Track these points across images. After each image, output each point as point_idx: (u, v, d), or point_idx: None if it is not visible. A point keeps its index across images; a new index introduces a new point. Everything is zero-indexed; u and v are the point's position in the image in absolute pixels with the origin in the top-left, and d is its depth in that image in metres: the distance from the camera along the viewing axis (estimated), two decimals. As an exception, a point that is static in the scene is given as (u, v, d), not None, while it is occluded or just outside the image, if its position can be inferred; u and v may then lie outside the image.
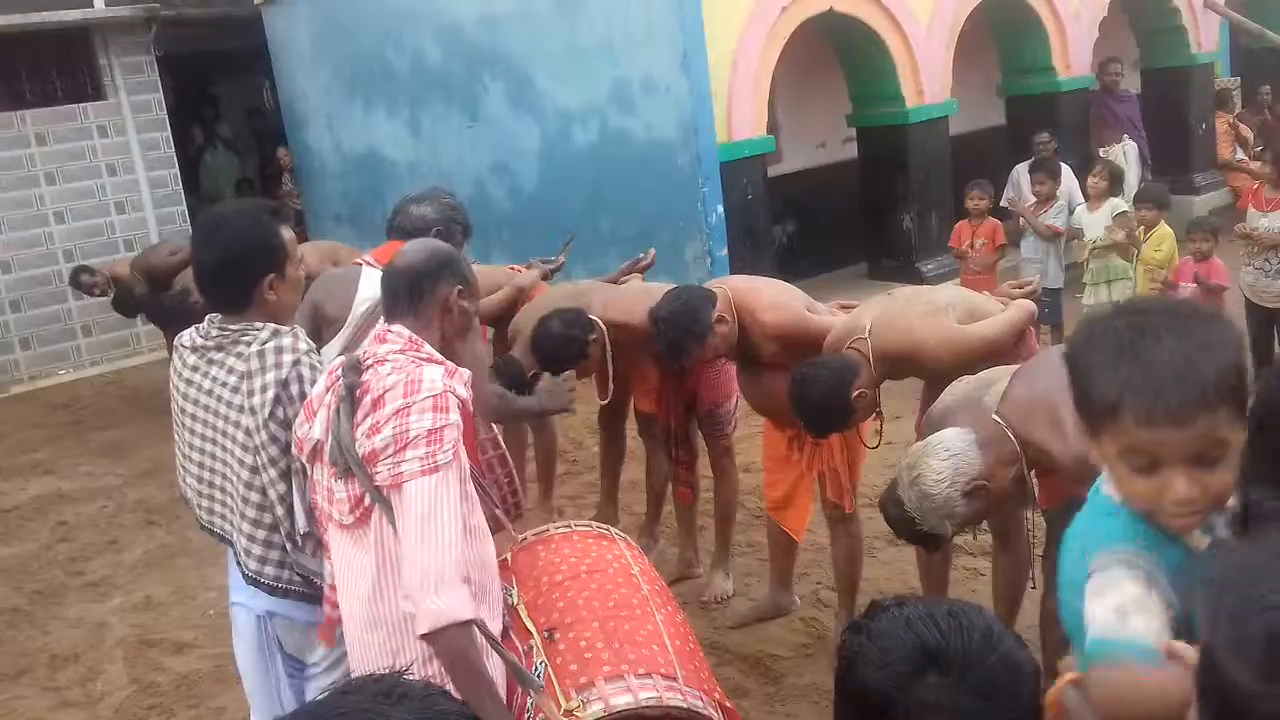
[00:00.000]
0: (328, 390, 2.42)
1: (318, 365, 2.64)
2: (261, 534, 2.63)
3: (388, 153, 10.54)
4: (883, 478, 5.39)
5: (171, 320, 7.32)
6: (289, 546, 2.62)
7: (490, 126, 9.40)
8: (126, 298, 8.05)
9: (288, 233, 2.77)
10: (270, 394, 2.56)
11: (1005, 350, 3.52)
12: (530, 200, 9.22)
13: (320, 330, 3.56)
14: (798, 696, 3.90)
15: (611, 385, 4.53)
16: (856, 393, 3.56)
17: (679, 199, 8.05)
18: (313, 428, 2.42)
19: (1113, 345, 1.43)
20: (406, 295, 2.46)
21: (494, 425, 3.57)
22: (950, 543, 4.11)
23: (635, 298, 4.47)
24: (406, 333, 2.41)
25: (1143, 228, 6.56)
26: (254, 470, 2.60)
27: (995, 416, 2.80)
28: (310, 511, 2.60)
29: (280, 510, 2.60)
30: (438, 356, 2.41)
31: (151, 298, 7.70)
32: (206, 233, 2.78)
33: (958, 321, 3.64)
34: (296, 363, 2.60)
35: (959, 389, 3.31)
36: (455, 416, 2.29)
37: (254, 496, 2.61)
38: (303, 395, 2.56)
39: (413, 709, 1.06)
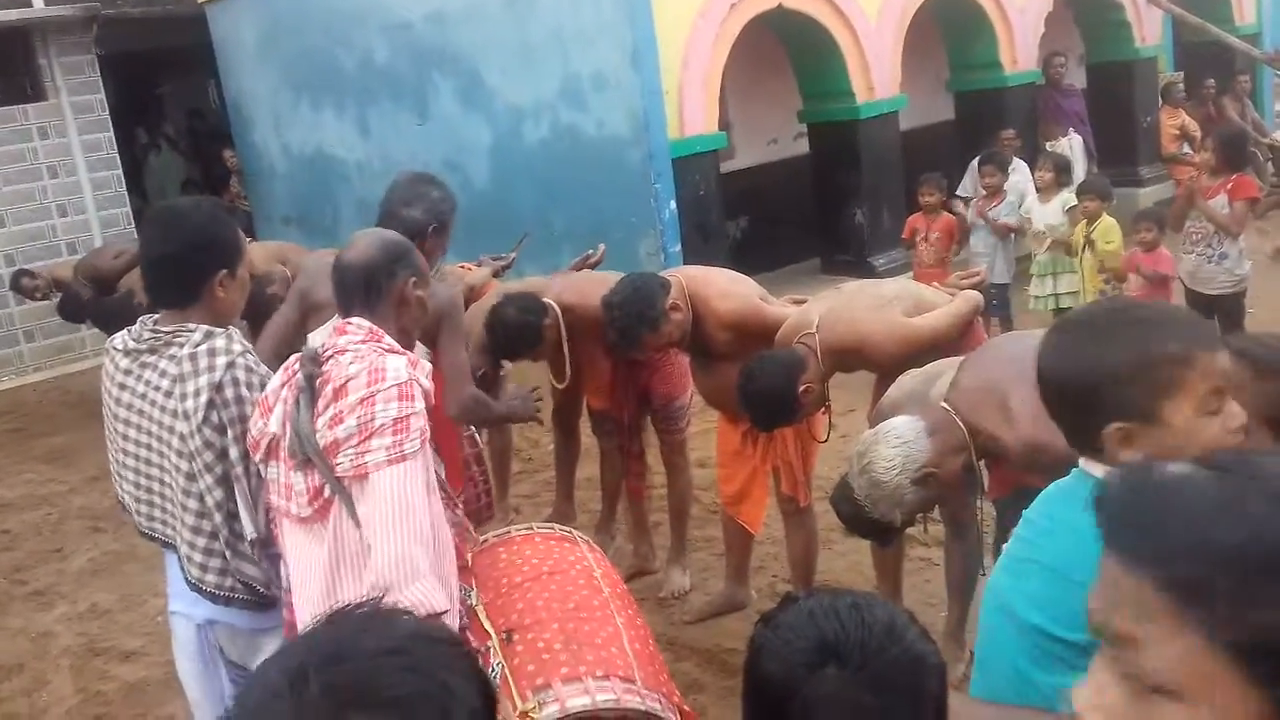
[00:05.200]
0: (284, 385, 2.37)
1: (253, 366, 2.56)
2: (202, 541, 2.56)
3: (336, 152, 10.42)
4: (837, 470, 5.40)
5: (115, 323, 7.18)
6: (228, 554, 2.55)
7: (440, 124, 9.33)
8: (73, 303, 7.87)
9: (240, 231, 2.72)
10: (203, 398, 2.48)
11: (952, 342, 3.55)
12: (482, 198, 9.15)
13: (307, 318, 3.48)
14: (755, 690, 3.89)
15: (569, 369, 4.50)
16: (803, 387, 3.58)
17: (632, 195, 8.04)
18: (268, 423, 2.36)
19: (1136, 328, 1.58)
20: (362, 290, 2.42)
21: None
22: (903, 534, 4.15)
23: (590, 284, 4.47)
24: (367, 324, 2.37)
25: (1085, 220, 6.64)
26: (190, 476, 2.53)
27: (944, 404, 2.81)
28: (265, 514, 2.55)
29: (219, 517, 2.53)
30: (398, 347, 2.38)
31: (96, 302, 7.54)
32: (161, 225, 2.70)
33: (904, 314, 3.66)
34: (231, 365, 2.52)
35: (906, 383, 3.33)
36: (421, 405, 2.26)
37: (192, 503, 2.55)
38: (238, 398, 2.50)
39: (409, 624, 1.04)
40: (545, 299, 4.36)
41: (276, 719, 0.94)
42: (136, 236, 7.39)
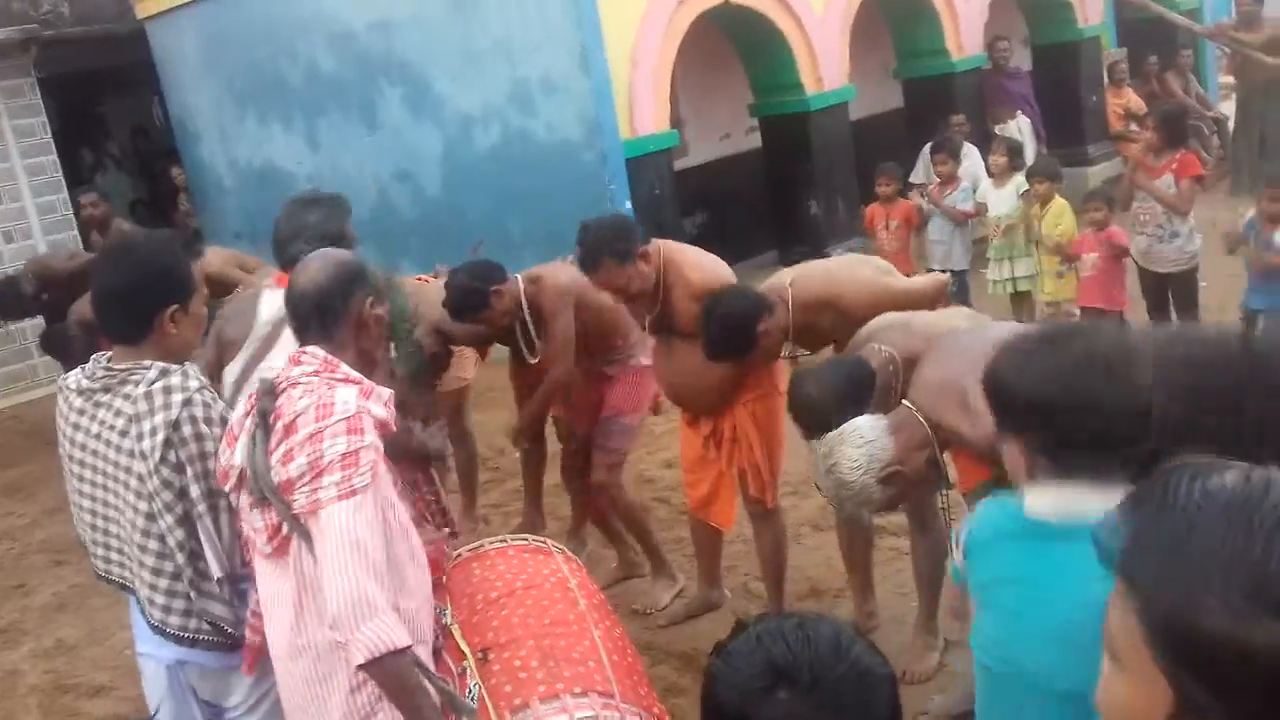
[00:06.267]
0: (247, 415, 2.33)
1: (210, 402, 2.52)
2: (164, 583, 2.51)
3: (286, 166, 10.31)
4: (803, 465, 5.43)
5: (56, 349, 7.11)
6: (193, 595, 2.51)
7: (390, 134, 9.25)
8: (12, 296, 7.57)
9: (196, 268, 2.67)
10: (160, 437, 2.43)
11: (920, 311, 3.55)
12: (435, 206, 9.10)
13: (222, 356, 3.44)
14: (733, 690, 3.89)
15: (537, 343, 4.48)
16: (764, 328, 3.63)
17: (586, 197, 8.01)
18: (234, 454, 2.32)
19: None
20: (316, 317, 2.36)
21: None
22: (872, 525, 4.16)
23: (563, 267, 4.54)
24: (321, 354, 2.32)
25: (1038, 202, 6.69)
26: (150, 517, 2.48)
27: (905, 402, 2.84)
28: (233, 546, 2.51)
29: (181, 558, 2.48)
30: (354, 376, 2.33)
31: (39, 305, 7.40)
32: (110, 258, 2.66)
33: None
34: (187, 402, 2.46)
35: (887, 316, 3.41)
36: (371, 438, 2.22)
37: (152, 544, 2.50)
38: (197, 435, 2.46)
39: None
40: (509, 274, 4.41)
41: None
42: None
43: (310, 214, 3.35)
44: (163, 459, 2.44)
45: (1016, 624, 1.79)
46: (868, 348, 3.41)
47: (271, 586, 2.33)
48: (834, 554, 4.71)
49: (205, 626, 2.54)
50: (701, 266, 3.98)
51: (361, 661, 2.10)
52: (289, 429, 2.21)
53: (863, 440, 2.79)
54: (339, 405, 2.21)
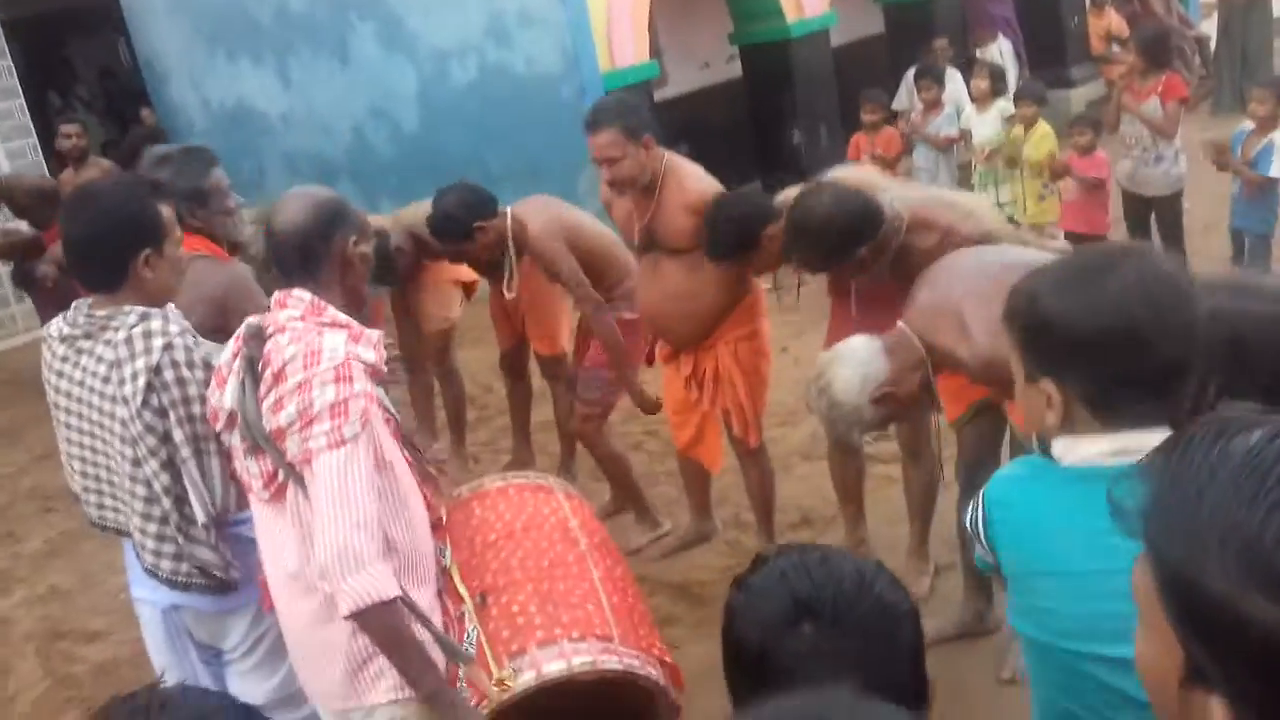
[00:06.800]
0: (234, 356, 2.29)
1: (192, 346, 2.48)
2: (153, 527, 2.50)
3: (258, 105, 10.13)
4: (791, 395, 5.45)
5: (31, 289, 7.01)
6: (180, 540, 2.50)
7: (364, 71, 9.09)
8: None
9: (168, 211, 2.59)
10: (141, 381, 2.40)
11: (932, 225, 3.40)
12: (413, 144, 8.97)
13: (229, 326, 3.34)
14: (727, 619, 3.94)
15: (514, 288, 4.41)
16: (770, 233, 3.58)
17: (566, 131, 7.88)
18: (224, 396, 2.30)
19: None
20: (299, 259, 2.30)
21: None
22: (863, 454, 4.18)
23: (558, 203, 4.45)
24: (308, 297, 2.27)
25: (1023, 126, 6.65)
26: (135, 462, 2.46)
27: (900, 323, 2.80)
28: (221, 489, 2.49)
29: (167, 502, 2.47)
30: (341, 319, 2.29)
31: (18, 268, 7.29)
32: (78, 206, 2.60)
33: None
34: (168, 346, 2.43)
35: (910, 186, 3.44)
36: (361, 385, 2.19)
37: (140, 489, 2.48)
38: (179, 380, 2.43)
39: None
40: (500, 207, 4.33)
41: None
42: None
43: (161, 172, 3.24)
44: (145, 404, 2.41)
45: (1088, 587, 1.53)
46: (882, 196, 3.37)
47: (271, 530, 2.33)
48: (824, 483, 4.73)
49: (195, 571, 2.53)
50: (700, 178, 3.92)
51: (347, 613, 2.11)
52: (278, 376, 2.18)
53: (857, 361, 2.76)
54: (327, 353, 2.17)
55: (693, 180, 3.88)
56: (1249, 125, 5.76)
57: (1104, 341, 1.49)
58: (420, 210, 4.76)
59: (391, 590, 2.13)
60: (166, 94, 11.10)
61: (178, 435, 2.44)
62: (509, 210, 4.37)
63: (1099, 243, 5.14)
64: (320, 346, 2.18)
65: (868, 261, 3.31)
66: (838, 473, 4.11)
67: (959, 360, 2.72)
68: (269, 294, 2.44)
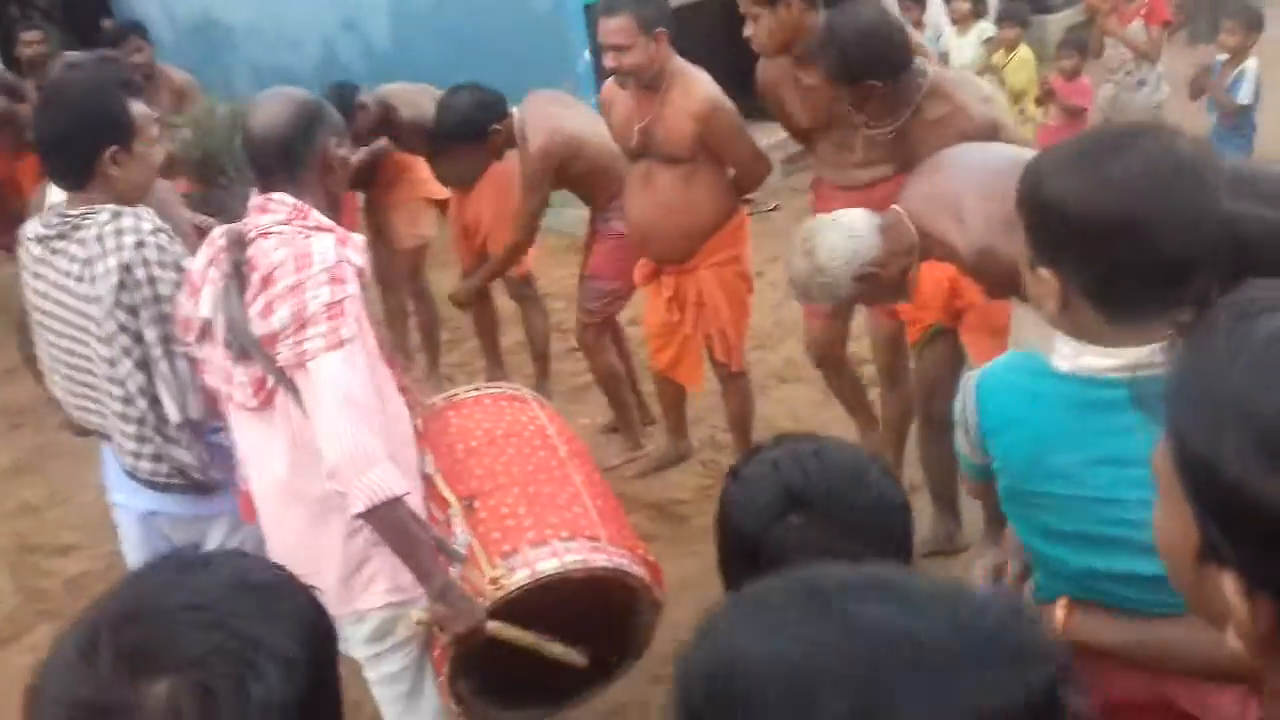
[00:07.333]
0: (210, 264, 2.25)
1: (166, 245, 2.44)
2: (131, 428, 2.48)
3: (224, 17, 9.87)
4: (768, 319, 5.45)
5: None
6: (157, 440, 2.48)
7: (334, -19, 8.86)
8: None
9: (140, 107, 2.52)
10: (113, 279, 2.37)
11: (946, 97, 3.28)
12: (385, 59, 8.77)
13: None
14: (703, 536, 3.95)
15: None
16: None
17: (543, 47, 7.77)
18: (199, 305, 2.26)
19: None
20: (281, 162, 2.26)
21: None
22: (849, 366, 4.14)
23: (564, 112, 4.33)
24: (290, 200, 2.24)
25: (1004, 49, 6.59)
26: (111, 362, 2.43)
27: (895, 206, 2.69)
28: (192, 396, 2.47)
29: (143, 403, 2.45)
30: (326, 223, 2.26)
31: None
32: (46, 100, 2.58)
33: None
34: (140, 244, 2.39)
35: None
36: (354, 287, 2.18)
37: (116, 390, 2.46)
38: (150, 279, 2.39)
39: (222, 573, 0.99)
40: (517, 111, 4.23)
41: (69, 689, 0.89)
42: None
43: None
44: (116, 302, 2.38)
45: (1091, 512, 1.47)
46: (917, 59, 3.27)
47: (257, 439, 2.31)
48: (800, 406, 4.77)
49: (175, 472, 2.52)
50: (708, 84, 3.79)
51: (361, 510, 2.11)
52: (266, 281, 2.15)
53: (852, 233, 2.65)
54: (318, 255, 2.15)
55: (700, 86, 3.77)
56: (1223, 56, 5.74)
57: (1100, 230, 1.40)
58: (399, 89, 4.68)
59: (401, 486, 2.15)
60: (128, 5, 10.78)
61: (149, 334, 2.41)
62: (514, 111, 4.25)
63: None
64: (310, 249, 2.16)
65: (880, 97, 3.18)
66: (834, 387, 4.11)
67: (952, 248, 2.60)
68: (215, 202, 2.40)
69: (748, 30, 3.69)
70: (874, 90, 3.18)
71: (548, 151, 4.12)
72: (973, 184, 2.52)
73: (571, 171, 4.21)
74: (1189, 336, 0.91)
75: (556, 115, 4.28)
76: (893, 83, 3.17)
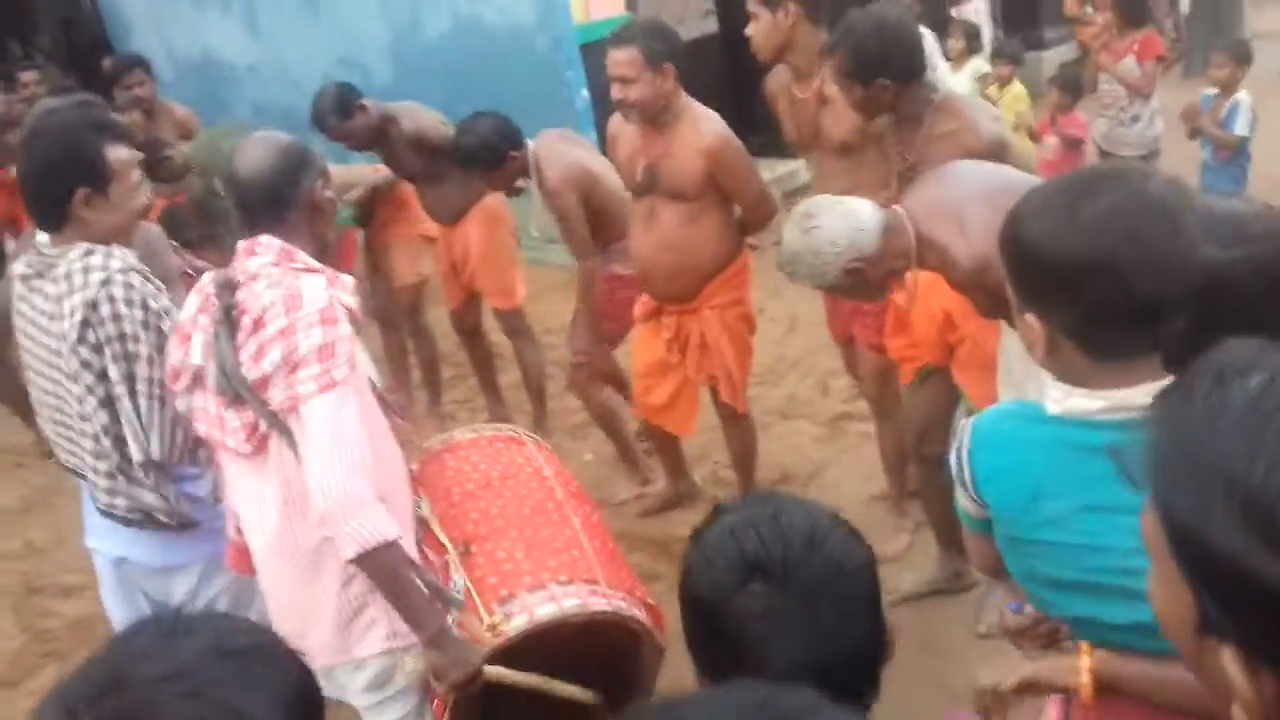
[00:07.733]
0: (200, 311, 2.26)
1: (135, 284, 2.43)
2: (103, 465, 2.49)
3: (225, 55, 9.94)
4: (769, 355, 5.47)
5: None
6: (120, 479, 2.48)
7: (334, 20, 8.93)
8: None
9: (119, 151, 2.50)
10: (78, 317, 2.38)
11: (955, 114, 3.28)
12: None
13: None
14: (707, 575, 3.97)
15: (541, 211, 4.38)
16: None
17: (542, 85, 7.83)
18: (189, 354, 2.26)
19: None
20: (267, 206, 2.27)
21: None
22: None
23: (578, 149, 4.39)
24: (277, 243, 2.25)
25: (997, 85, 6.65)
26: (79, 399, 2.45)
27: (898, 208, 2.65)
28: (155, 436, 2.46)
29: (107, 441, 2.45)
30: (314, 264, 2.26)
31: None
32: (26, 142, 2.57)
33: None
34: (106, 282, 2.39)
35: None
36: (345, 328, 2.17)
37: (87, 427, 2.47)
38: (115, 316, 2.39)
39: (204, 638, 0.99)
40: (531, 145, 4.28)
41: None
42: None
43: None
44: (80, 339, 2.39)
45: (1085, 561, 1.48)
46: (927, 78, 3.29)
47: (251, 489, 2.30)
48: (802, 440, 4.79)
49: (138, 510, 2.52)
50: (716, 121, 3.78)
51: (352, 555, 2.10)
52: (257, 324, 2.15)
53: (855, 221, 2.59)
54: (308, 296, 2.15)
55: (710, 122, 3.75)
56: (1213, 90, 5.79)
57: (1074, 273, 1.41)
58: (403, 104, 4.80)
59: (393, 531, 2.13)
60: (129, 44, 10.86)
61: (113, 373, 2.41)
62: (530, 145, 4.28)
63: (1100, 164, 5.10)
64: (300, 291, 2.16)
65: (887, 97, 3.19)
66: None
67: (952, 258, 2.55)
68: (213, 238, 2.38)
69: (749, 30, 3.78)
70: (885, 92, 3.18)
71: (567, 178, 4.13)
72: (977, 195, 2.50)
73: (586, 206, 4.20)
74: (1166, 399, 0.89)
75: (569, 152, 4.31)
76: (903, 87, 3.18)
